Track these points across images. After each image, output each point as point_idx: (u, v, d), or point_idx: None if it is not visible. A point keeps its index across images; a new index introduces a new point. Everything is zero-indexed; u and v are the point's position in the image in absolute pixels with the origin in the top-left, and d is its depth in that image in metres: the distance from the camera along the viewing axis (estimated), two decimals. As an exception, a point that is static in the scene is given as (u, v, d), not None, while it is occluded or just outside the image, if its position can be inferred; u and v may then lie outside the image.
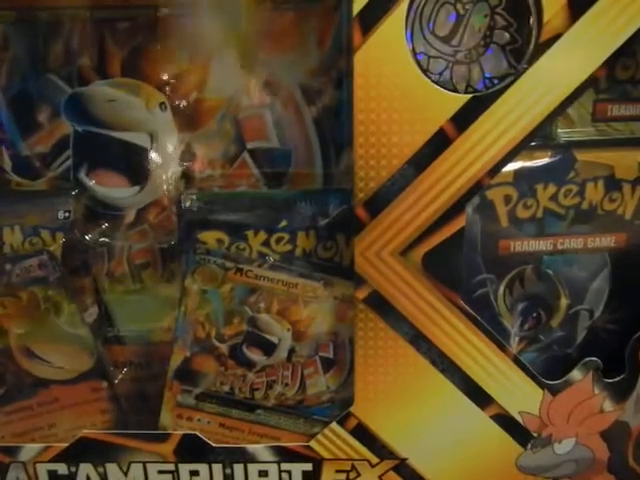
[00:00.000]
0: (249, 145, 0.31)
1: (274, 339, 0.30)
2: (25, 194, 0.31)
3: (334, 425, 0.31)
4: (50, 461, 0.32)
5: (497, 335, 0.29)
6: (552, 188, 0.29)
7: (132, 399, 0.33)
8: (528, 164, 0.28)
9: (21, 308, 0.30)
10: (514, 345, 0.31)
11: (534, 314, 0.30)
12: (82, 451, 0.32)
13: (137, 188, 0.32)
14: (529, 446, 0.30)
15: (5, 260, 0.30)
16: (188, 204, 0.30)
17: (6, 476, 0.32)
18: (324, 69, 0.29)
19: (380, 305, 0.28)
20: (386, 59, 0.25)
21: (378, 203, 0.27)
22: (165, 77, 0.30)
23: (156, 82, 0.30)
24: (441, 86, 0.25)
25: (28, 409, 0.32)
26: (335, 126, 0.30)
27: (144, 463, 0.32)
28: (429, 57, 0.25)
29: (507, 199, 0.28)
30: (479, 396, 0.30)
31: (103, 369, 0.31)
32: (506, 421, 0.30)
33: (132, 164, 0.31)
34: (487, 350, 0.29)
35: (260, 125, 0.31)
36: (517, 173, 0.28)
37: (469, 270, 0.29)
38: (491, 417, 0.30)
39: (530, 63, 0.25)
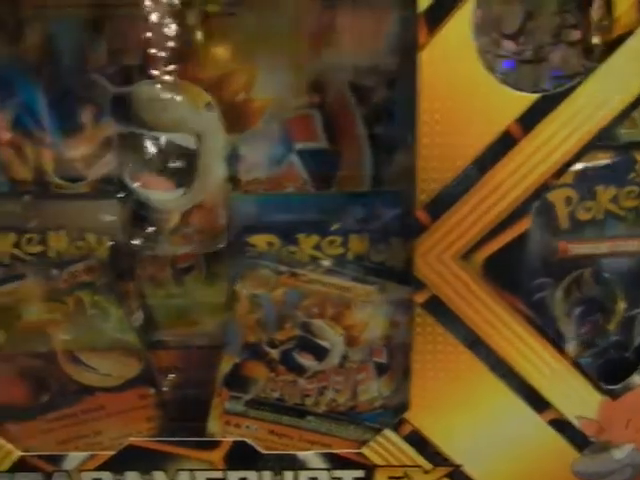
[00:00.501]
0: (297, 146, 0.30)
1: (326, 344, 0.30)
2: (70, 197, 0.30)
3: (388, 431, 0.30)
4: (95, 469, 0.31)
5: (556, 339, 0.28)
6: (612, 190, 0.28)
7: (178, 406, 0.33)
8: (589, 165, 0.27)
9: (67, 313, 0.29)
10: (571, 349, 0.30)
11: (591, 318, 0.30)
12: (129, 459, 0.31)
13: (182, 191, 0.31)
14: (586, 451, 0.30)
15: (51, 265, 0.29)
16: (238, 207, 0.29)
17: (50, 485, 0.32)
18: (376, 68, 0.29)
19: (439, 310, 0.28)
20: (452, 58, 0.24)
21: (440, 205, 0.26)
22: (212, 77, 0.29)
23: (203, 82, 0.29)
24: (508, 85, 0.24)
25: (72, 417, 0.31)
26: (387, 126, 0.30)
27: (192, 471, 0.31)
28: (495, 56, 0.24)
29: (567, 201, 0.28)
30: (537, 401, 0.29)
31: (150, 375, 0.31)
32: (563, 426, 0.29)
33: (177, 166, 0.31)
34: (546, 355, 0.28)
35: (309, 125, 0.30)
36: (577, 174, 0.27)
37: (527, 273, 0.28)
38: (548, 422, 0.29)
39: (600, 61, 0.24)
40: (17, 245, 0.29)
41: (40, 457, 0.31)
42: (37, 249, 0.29)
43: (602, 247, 0.28)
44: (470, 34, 0.24)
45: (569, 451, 0.30)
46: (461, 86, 0.24)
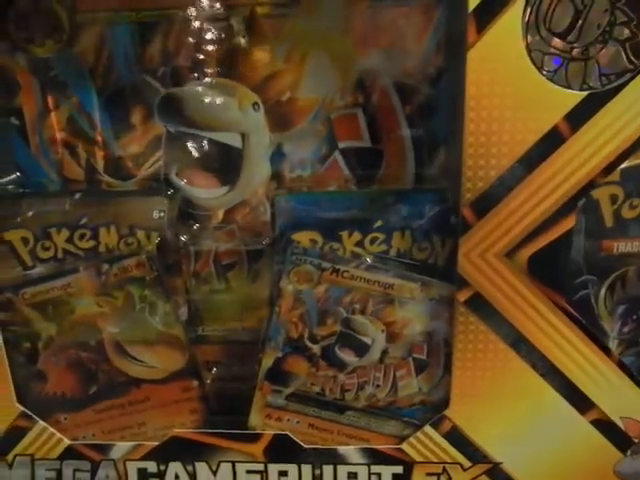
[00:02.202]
0: (341, 145, 0.31)
1: (367, 340, 0.30)
2: (120, 194, 0.31)
3: (427, 428, 0.30)
4: (141, 459, 0.32)
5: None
6: (659, 187, 0.28)
7: (220, 399, 0.33)
8: (635, 163, 0.27)
9: (117, 307, 0.30)
10: (613, 348, 0.30)
11: (634, 316, 0.30)
12: (172, 450, 0.32)
13: (226, 188, 0.32)
14: (629, 452, 0.30)
15: (102, 260, 0.30)
16: (282, 204, 0.30)
17: (96, 473, 0.33)
18: (421, 67, 0.29)
19: (482, 307, 0.28)
20: (501, 56, 0.24)
21: (485, 203, 0.26)
22: (259, 77, 0.30)
23: (250, 82, 0.30)
24: (556, 83, 0.25)
25: (119, 407, 0.32)
26: (429, 125, 0.30)
27: (233, 463, 0.32)
28: (544, 54, 0.24)
29: (613, 198, 0.28)
30: (579, 400, 0.29)
31: (195, 369, 0.31)
32: (606, 426, 0.29)
33: (222, 164, 0.31)
34: (590, 354, 0.28)
35: (353, 124, 0.30)
36: (623, 172, 0.27)
37: (571, 271, 0.28)
38: (590, 422, 0.29)
39: (649, 59, 0.24)
40: (70, 240, 0.30)
41: (88, 446, 0.32)
42: (89, 244, 0.30)
43: (647, 246, 0.28)
44: (519, 32, 0.24)
45: (611, 451, 0.30)
46: (509, 84, 0.24)
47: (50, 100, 0.31)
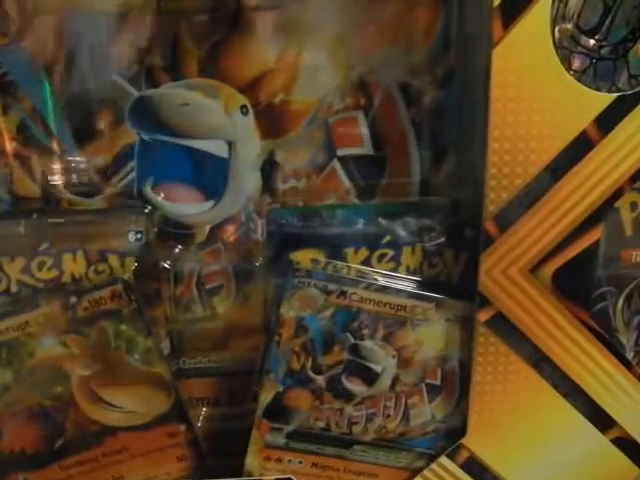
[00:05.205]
0: (339, 152, 0.28)
1: (377, 367, 0.27)
2: (86, 213, 0.27)
3: (443, 458, 0.28)
4: (119, 519, 0.28)
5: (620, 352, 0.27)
6: (677, 193, 0.27)
7: (212, 442, 0.29)
8: (654, 168, 0.26)
9: (87, 347, 0.26)
10: (630, 360, 0.29)
11: (651, 327, 0.29)
12: (157, 505, 0.28)
13: (211, 203, 0.28)
14: (649, 468, 0.29)
15: (68, 292, 0.25)
16: (278, 220, 0.26)
17: (66, 539, 0.28)
18: (428, 66, 0.27)
19: (503, 327, 0.26)
20: (528, 55, 0.22)
21: (509, 216, 0.24)
22: (248, 77, 0.27)
23: (237, 83, 0.26)
24: (584, 84, 0.23)
25: (92, 461, 0.28)
26: (437, 129, 0.28)
27: (229, 513, 0.28)
28: (571, 52, 0.22)
29: (633, 206, 0.27)
30: (601, 419, 0.27)
31: (181, 410, 0.27)
32: (627, 444, 0.28)
33: (206, 176, 0.28)
34: (613, 370, 0.27)
35: (353, 130, 0.27)
36: (643, 178, 0.26)
37: (594, 285, 0.27)
38: (611, 440, 0.28)
39: (679, 59, 0.23)
40: (26, 271, 0.26)
41: (55, 509, 0.28)
42: (50, 275, 0.26)
43: (665, 254, 0.27)
44: (548, 29, 0.22)
45: (633, 469, 0.29)
46: (537, 86, 0.22)
47: (-3, 104, 0.26)
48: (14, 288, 0.26)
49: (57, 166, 0.27)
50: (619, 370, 0.27)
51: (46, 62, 0.25)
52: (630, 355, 0.29)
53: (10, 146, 0.26)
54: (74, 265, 0.26)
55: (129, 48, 0.25)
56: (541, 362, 0.26)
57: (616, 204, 0.26)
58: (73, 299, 0.25)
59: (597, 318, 0.27)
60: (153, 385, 0.27)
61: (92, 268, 0.26)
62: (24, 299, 0.25)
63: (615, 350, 0.26)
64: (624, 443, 0.28)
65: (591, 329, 0.26)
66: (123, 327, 0.26)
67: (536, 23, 0.22)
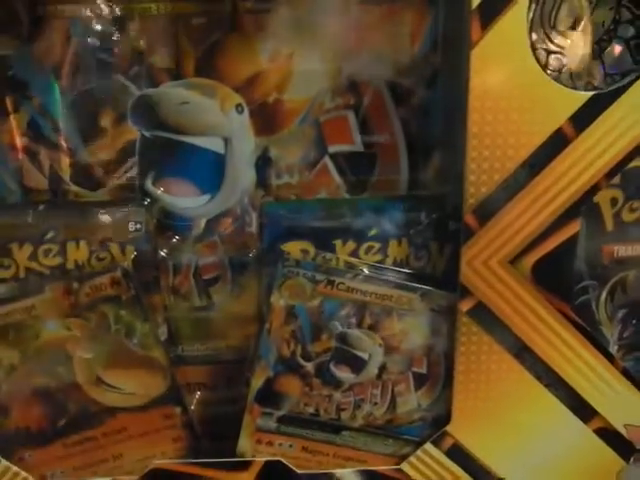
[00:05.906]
0: (331, 149, 0.29)
1: (364, 355, 0.28)
2: (90, 205, 0.28)
3: (428, 445, 0.29)
4: (118, 496, 0.30)
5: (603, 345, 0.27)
6: (658, 189, 0.28)
7: (206, 424, 0.31)
8: (635, 165, 0.27)
9: (89, 330, 0.27)
10: (613, 353, 0.29)
11: (634, 321, 0.29)
12: (154, 483, 0.30)
13: (207, 197, 0.30)
14: (632, 460, 0.29)
15: (71, 278, 0.27)
16: (271, 213, 0.28)
17: (67, 514, 0.30)
18: (415, 66, 0.28)
19: (485, 317, 0.27)
20: (505, 55, 0.23)
21: (489, 209, 0.25)
22: (243, 77, 0.28)
23: (233, 83, 0.28)
24: (561, 83, 0.24)
25: (92, 440, 0.29)
26: (424, 127, 0.29)
27: (222, 494, 0.30)
28: (548, 52, 0.23)
29: (613, 202, 0.27)
30: (583, 410, 0.28)
31: (177, 393, 0.29)
32: (609, 434, 0.29)
33: (203, 171, 0.29)
34: (595, 362, 0.27)
35: (343, 128, 0.29)
36: (624, 175, 0.27)
37: (574, 277, 0.27)
38: (594, 431, 0.29)
39: (654, 58, 0.24)
40: (33, 257, 0.27)
41: (57, 485, 0.29)
42: (55, 261, 0.27)
43: (647, 249, 0.28)
44: (525, 30, 0.23)
45: (615, 460, 0.29)
46: (515, 85, 0.23)
47: (8, 102, 0.28)
48: (22, 274, 0.27)
49: (64, 160, 0.29)
50: (600, 361, 0.27)
51: (54, 63, 0.27)
52: (614, 348, 0.30)
53: (20, 141, 0.28)
54: (77, 253, 0.27)
55: (131, 49, 0.27)
56: (523, 352, 0.27)
57: (596, 199, 0.27)
58: (75, 285, 0.27)
59: (579, 311, 0.28)
60: (150, 368, 0.28)
61: (94, 256, 0.27)
62: (31, 284, 0.27)
63: (596, 342, 0.27)
64: (607, 434, 0.29)
65: (572, 321, 0.27)
66: (122, 312, 0.27)
67: (514, 24, 0.23)
